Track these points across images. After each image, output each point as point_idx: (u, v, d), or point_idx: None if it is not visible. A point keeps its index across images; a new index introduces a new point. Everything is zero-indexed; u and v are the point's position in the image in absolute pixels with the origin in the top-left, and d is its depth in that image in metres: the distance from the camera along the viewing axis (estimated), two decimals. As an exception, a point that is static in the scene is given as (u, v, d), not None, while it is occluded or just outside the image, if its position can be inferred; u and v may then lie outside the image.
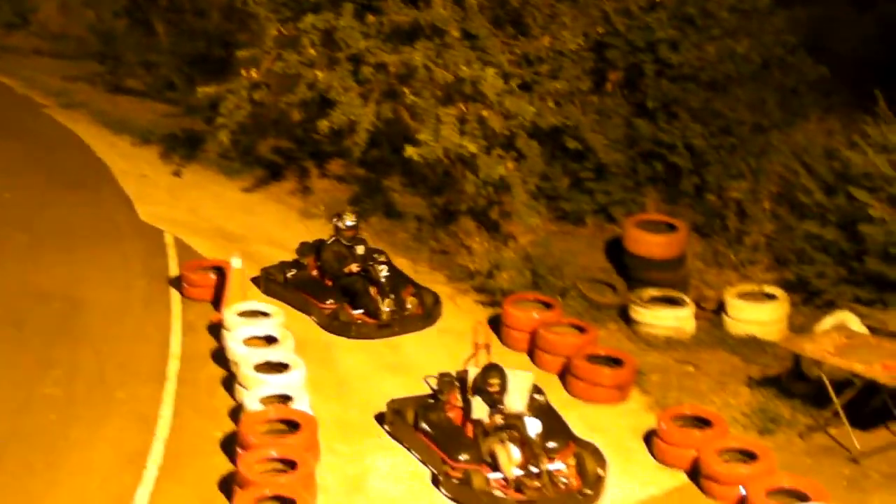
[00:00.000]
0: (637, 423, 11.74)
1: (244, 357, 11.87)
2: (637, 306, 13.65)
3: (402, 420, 11.31)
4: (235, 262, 13.56)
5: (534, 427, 10.56)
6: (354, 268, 13.78)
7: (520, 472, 10.25)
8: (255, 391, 11.30)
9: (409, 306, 13.66)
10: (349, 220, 14.09)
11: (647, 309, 13.60)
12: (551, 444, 10.60)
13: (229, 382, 12.02)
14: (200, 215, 16.63)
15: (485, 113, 14.52)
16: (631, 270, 14.53)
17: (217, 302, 13.67)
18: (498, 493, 10.18)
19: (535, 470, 10.22)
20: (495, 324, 13.60)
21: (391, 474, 10.76)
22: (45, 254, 15.06)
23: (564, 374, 12.51)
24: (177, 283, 14.35)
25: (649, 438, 11.33)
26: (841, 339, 11.74)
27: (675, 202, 15.52)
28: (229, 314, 12.81)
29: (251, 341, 12.31)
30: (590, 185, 15.73)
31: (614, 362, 12.36)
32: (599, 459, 10.66)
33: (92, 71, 21.87)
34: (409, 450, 11.06)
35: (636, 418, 11.85)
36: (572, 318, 13.49)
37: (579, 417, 11.79)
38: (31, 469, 10.49)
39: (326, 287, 13.97)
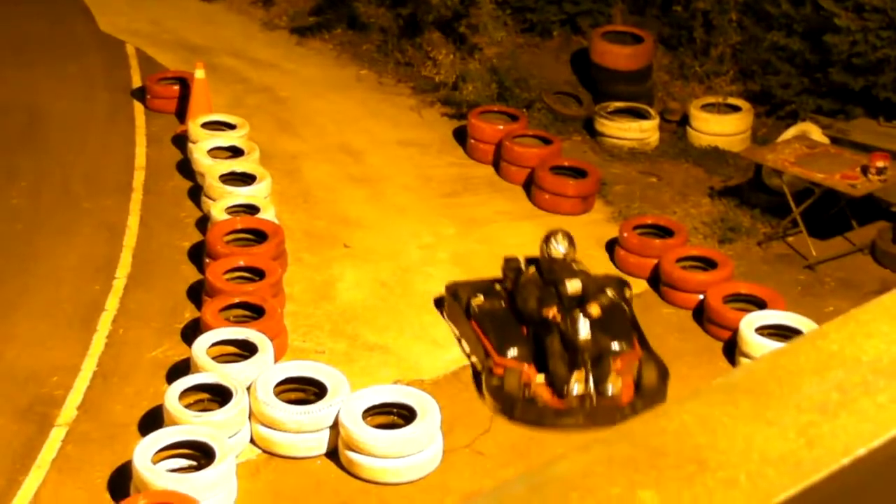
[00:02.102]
0: (600, 232, 11.93)
1: (210, 168, 11.89)
2: (602, 118, 13.70)
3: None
4: (199, 74, 13.43)
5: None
6: (552, 314, 9.21)
7: None
8: (221, 202, 11.36)
9: (611, 388, 9.09)
10: (557, 245, 9.54)
11: (611, 121, 13.66)
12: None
13: (195, 193, 12.07)
14: (162, 26, 16.37)
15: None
16: (597, 82, 14.51)
17: (181, 114, 13.60)
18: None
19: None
20: (461, 136, 13.63)
21: (358, 282, 10.94)
22: (4, 66, 14.83)
23: (529, 186, 12.64)
24: (140, 94, 14.23)
25: (612, 247, 11.54)
26: (802, 149, 11.88)
27: (641, 13, 15.40)
28: (194, 126, 12.77)
29: (216, 153, 12.32)
30: (557, -4, 15.57)
31: (578, 173, 12.48)
32: None
33: None
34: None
35: (599, 228, 12.04)
36: (537, 129, 13.55)
37: (544, 227, 11.94)
38: (1, 279, 10.58)
39: (517, 332, 9.59)
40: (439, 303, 10.38)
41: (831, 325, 1.20)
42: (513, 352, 9.33)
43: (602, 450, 1.05)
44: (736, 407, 1.09)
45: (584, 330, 9.08)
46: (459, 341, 9.94)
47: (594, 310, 9.15)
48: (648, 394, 9.09)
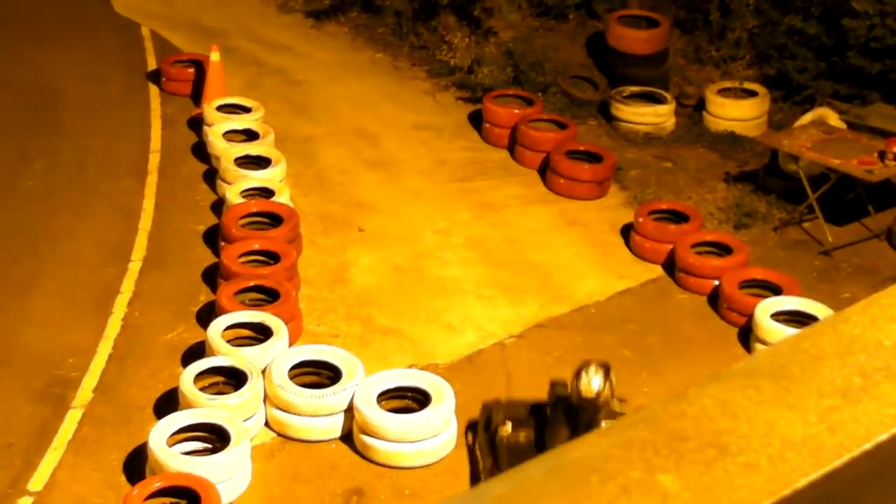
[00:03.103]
0: (615, 217, 11.90)
1: (225, 151, 11.89)
2: (617, 102, 13.66)
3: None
4: (214, 57, 13.43)
5: None
6: None
7: None
8: (236, 185, 11.36)
9: None
10: (590, 381, 7.46)
11: (627, 105, 13.61)
12: None
13: (210, 176, 12.08)
14: (176, 8, 16.34)
15: None
16: (612, 66, 14.45)
17: (196, 96, 13.61)
18: None
19: None
20: (476, 120, 13.61)
21: (372, 266, 10.94)
22: (20, 47, 14.83)
23: (544, 170, 12.61)
24: (155, 77, 14.23)
25: (627, 232, 11.52)
26: (819, 134, 11.82)
27: (658, -3, 15.33)
28: (209, 109, 12.77)
29: (231, 136, 12.31)
30: (573, -20, 15.50)
31: (594, 158, 12.44)
32: None
33: None
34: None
35: (614, 213, 12.01)
36: (553, 113, 13.50)
37: (558, 212, 11.95)
38: (17, 259, 10.61)
39: None
40: (473, 426, 8.41)
41: (853, 308, 1.19)
42: None
43: (622, 433, 1.04)
44: (757, 391, 1.08)
45: None
46: (480, 477, 8.01)
47: None
48: None
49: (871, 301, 1.20)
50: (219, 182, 11.73)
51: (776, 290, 10.20)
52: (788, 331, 9.50)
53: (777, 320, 9.62)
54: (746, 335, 9.92)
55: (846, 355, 1.12)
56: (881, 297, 1.21)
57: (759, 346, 9.68)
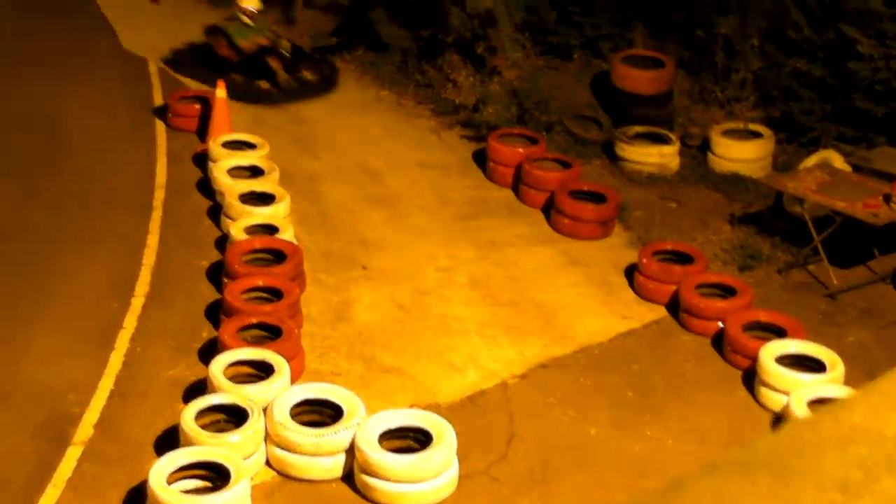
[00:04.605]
0: (619, 257, 11.88)
1: (230, 187, 11.90)
2: (622, 142, 13.67)
3: None
4: (220, 93, 13.47)
5: None
6: None
7: None
8: (240, 221, 11.36)
9: None
10: None
11: (631, 145, 13.62)
12: None
13: (215, 213, 12.08)
14: (184, 44, 16.39)
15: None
16: (617, 106, 14.47)
17: (202, 132, 13.63)
18: None
19: None
20: (480, 158, 13.62)
21: (375, 304, 10.92)
22: (26, 82, 14.89)
23: (548, 210, 12.60)
24: (161, 112, 14.26)
25: (631, 273, 11.49)
26: (824, 176, 11.82)
27: (662, 37, 15.37)
28: (215, 145, 12.79)
29: (236, 172, 12.33)
30: (577, 19, 15.54)
31: (598, 198, 12.44)
32: None
33: None
34: None
35: (618, 253, 11.99)
36: (557, 153, 13.51)
37: (562, 252, 11.93)
38: (21, 295, 10.60)
39: None
40: None
41: (854, 395, 1.17)
42: None
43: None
44: (754, 484, 1.06)
45: None
46: None
47: None
48: None
49: (871, 388, 1.18)
50: (223, 218, 11.73)
51: (780, 333, 10.16)
52: (792, 374, 9.46)
53: (781, 363, 9.58)
54: (750, 378, 9.87)
55: (847, 445, 1.10)
56: (882, 383, 1.19)
57: (763, 390, 9.63)
